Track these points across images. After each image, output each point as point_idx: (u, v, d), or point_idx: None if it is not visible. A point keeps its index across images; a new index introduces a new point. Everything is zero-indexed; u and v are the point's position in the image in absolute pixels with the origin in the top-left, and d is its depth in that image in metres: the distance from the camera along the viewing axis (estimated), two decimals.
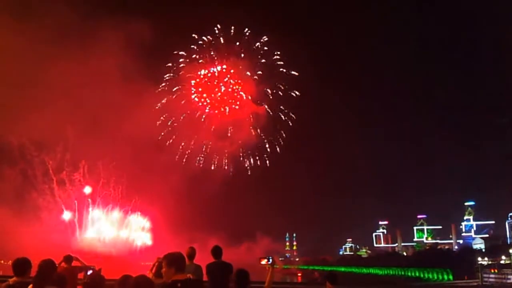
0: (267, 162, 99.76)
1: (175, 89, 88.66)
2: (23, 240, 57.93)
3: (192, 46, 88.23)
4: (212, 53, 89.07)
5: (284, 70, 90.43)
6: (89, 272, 8.49)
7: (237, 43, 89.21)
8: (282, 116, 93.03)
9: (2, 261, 72.06)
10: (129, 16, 71.63)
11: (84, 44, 68.21)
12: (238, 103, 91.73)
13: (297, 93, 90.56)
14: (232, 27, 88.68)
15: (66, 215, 76.83)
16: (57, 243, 58.69)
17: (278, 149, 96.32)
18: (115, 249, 73.66)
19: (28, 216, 68.99)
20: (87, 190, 79.61)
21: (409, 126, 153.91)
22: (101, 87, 70.91)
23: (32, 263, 6.95)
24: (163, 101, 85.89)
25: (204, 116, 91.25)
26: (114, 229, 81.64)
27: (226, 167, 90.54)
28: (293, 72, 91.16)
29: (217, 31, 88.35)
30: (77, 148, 75.16)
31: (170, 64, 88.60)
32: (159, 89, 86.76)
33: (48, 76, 66.66)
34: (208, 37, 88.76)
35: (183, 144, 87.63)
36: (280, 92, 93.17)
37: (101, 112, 71.39)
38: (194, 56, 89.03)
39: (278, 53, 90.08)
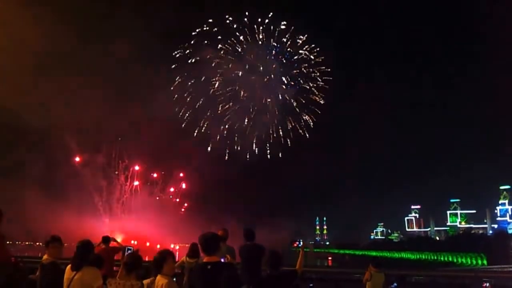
0: (296, 145, 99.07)
1: (189, 69, 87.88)
2: (57, 224, 59.35)
3: (215, 28, 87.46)
4: (237, 34, 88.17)
5: (308, 53, 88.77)
6: (127, 253, 8.68)
7: (261, 27, 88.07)
8: (312, 98, 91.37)
9: (40, 244, 74.69)
10: None
11: (106, 27, 68.77)
12: (262, 85, 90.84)
13: (328, 69, 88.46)
14: (255, 11, 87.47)
15: (95, 197, 78.70)
16: (90, 226, 59.99)
17: (306, 132, 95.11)
18: (146, 231, 74.93)
19: (58, 199, 70.50)
20: (114, 172, 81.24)
21: (443, 111, 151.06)
22: (122, 69, 71.62)
23: (63, 243, 7.21)
24: (177, 79, 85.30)
25: (226, 98, 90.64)
26: (145, 209, 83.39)
27: (251, 149, 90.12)
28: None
29: (230, 16, 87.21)
30: (100, 131, 76.13)
31: (192, 46, 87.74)
32: (180, 71, 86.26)
33: (69, 60, 67.68)
34: (230, 18, 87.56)
35: (206, 126, 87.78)
36: (307, 75, 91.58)
37: (124, 94, 72.47)
38: (216, 38, 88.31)
39: (302, 37, 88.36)
